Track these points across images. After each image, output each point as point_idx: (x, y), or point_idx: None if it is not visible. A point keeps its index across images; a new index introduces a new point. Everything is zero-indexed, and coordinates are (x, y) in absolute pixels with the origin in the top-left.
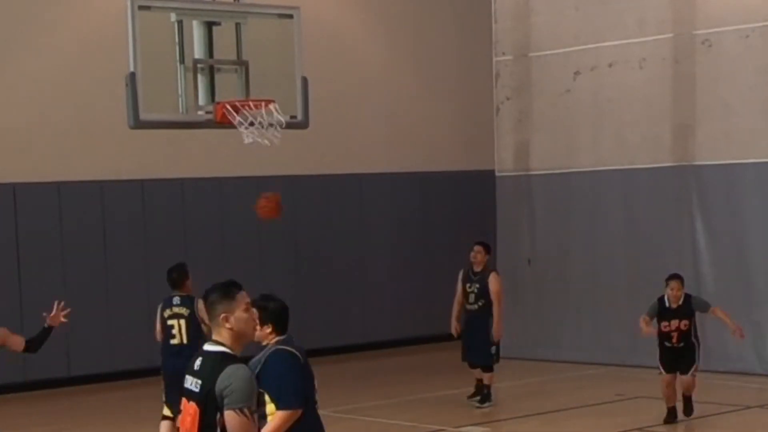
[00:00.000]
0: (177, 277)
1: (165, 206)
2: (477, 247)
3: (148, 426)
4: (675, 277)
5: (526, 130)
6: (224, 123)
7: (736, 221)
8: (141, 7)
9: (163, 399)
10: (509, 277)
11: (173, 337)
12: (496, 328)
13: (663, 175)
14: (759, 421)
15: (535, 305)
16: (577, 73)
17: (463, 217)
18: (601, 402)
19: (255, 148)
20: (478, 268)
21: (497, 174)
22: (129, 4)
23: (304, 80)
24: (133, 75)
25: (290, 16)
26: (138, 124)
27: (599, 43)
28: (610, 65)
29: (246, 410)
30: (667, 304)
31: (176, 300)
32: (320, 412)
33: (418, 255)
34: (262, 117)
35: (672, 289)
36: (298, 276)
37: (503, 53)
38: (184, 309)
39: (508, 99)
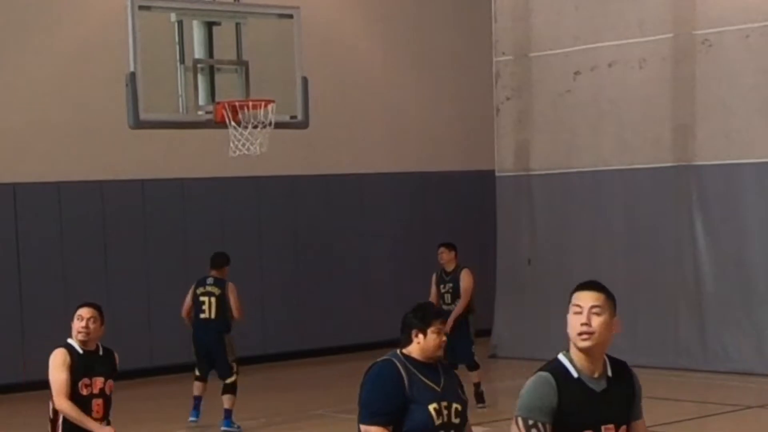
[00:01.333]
0: (220, 260)
1: (165, 206)
2: (441, 249)
3: (148, 426)
4: None
5: (526, 130)
6: (224, 123)
7: (736, 221)
8: (141, 7)
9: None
10: (509, 277)
11: (203, 312)
12: (449, 322)
13: (663, 175)
14: (759, 422)
15: (535, 305)
16: (577, 73)
17: (463, 217)
18: None
19: None
20: (449, 268)
21: (497, 174)
22: (129, 4)
23: (304, 80)
24: (133, 75)
25: (290, 16)
26: (138, 124)
27: (599, 43)
28: (610, 65)
29: (519, 421)
30: None
31: (210, 280)
32: (321, 411)
33: (419, 254)
34: (255, 119)
35: None
36: (298, 275)
37: (503, 53)
38: (216, 289)
39: (508, 99)
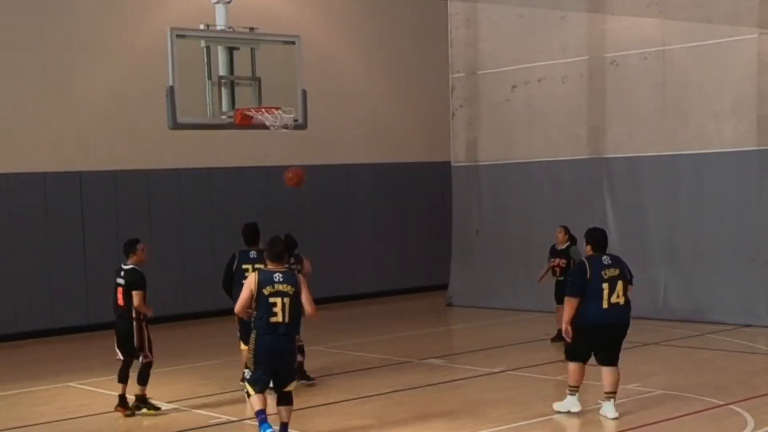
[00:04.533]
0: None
1: (196, 189)
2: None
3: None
4: None
5: (474, 130)
6: (242, 125)
7: (637, 201)
8: (178, 36)
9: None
10: (461, 244)
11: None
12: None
13: (580, 165)
14: (653, 355)
15: (482, 265)
16: (514, 86)
17: (427, 197)
18: (532, 339)
19: (265, 144)
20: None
21: (452, 164)
22: (169, 33)
23: (304, 92)
24: (171, 88)
25: (293, 42)
26: (175, 125)
27: (531, 63)
28: (539, 80)
29: None
30: None
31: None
32: (315, 348)
33: (393, 226)
34: (276, 118)
35: None
36: (301, 244)
37: (457, 71)
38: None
39: (461, 107)
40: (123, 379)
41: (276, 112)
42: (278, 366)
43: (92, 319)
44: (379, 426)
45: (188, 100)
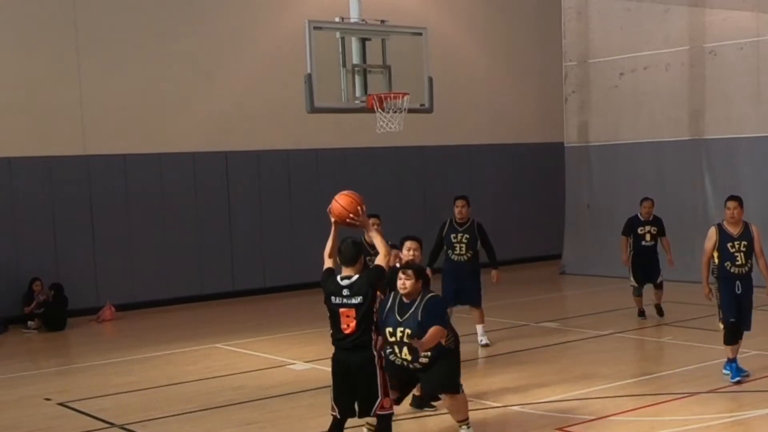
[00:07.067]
0: None
1: (333, 168)
2: (647, 202)
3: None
4: None
5: (585, 114)
6: (373, 109)
7: (734, 179)
8: (315, 28)
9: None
10: (574, 217)
11: None
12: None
13: (682, 145)
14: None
15: (592, 236)
16: (621, 74)
17: (542, 176)
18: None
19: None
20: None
21: (566, 145)
22: (306, 25)
23: (430, 79)
24: (309, 75)
25: (420, 34)
26: (313, 109)
27: (637, 52)
28: (645, 68)
29: None
30: None
31: None
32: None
33: (510, 201)
34: (395, 106)
35: None
36: (426, 219)
37: (570, 60)
38: None
39: (573, 92)
40: None
41: (402, 98)
42: None
43: (237, 286)
44: (499, 382)
45: (324, 87)
